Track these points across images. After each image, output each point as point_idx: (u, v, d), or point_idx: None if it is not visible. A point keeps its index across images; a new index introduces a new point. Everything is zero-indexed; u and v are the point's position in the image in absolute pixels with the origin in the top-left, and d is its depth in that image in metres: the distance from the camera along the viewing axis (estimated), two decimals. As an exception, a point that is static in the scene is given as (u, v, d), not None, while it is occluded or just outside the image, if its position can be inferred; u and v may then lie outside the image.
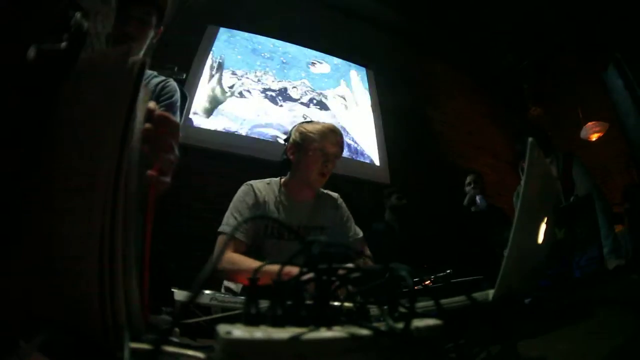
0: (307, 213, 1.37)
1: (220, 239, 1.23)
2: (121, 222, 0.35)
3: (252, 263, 1.14)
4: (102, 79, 0.40)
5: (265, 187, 1.37)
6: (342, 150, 1.40)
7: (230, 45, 3.62)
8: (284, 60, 3.84)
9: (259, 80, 3.59)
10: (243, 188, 1.35)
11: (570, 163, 2.15)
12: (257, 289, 0.30)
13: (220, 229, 1.26)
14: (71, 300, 0.35)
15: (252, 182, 1.37)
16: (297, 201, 1.38)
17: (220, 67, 3.45)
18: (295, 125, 1.43)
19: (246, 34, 3.73)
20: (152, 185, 0.47)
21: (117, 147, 0.35)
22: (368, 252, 1.40)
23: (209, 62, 3.38)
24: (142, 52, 1.21)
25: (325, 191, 1.48)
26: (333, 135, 1.35)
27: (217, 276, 1.19)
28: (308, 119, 1.48)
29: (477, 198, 2.68)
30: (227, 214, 1.30)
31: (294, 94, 3.70)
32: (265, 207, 1.32)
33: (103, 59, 0.44)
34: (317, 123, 1.41)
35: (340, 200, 1.49)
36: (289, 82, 3.74)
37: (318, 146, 1.32)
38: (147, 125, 0.47)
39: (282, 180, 1.39)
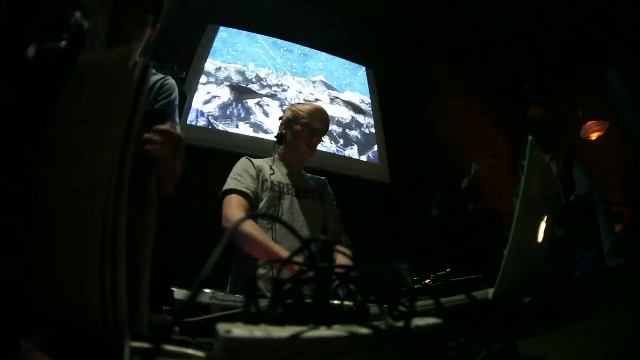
0: (301, 177, 1.61)
1: (228, 198, 1.38)
2: (124, 223, 0.35)
3: (269, 242, 1.27)
4: (104, 80, 0.40)
5: (260, 161, 1.58)
6: (328, 128, 1.63)
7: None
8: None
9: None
10: (241, 160, 1.56)
11: (571, 163, 2.14)
12: (257, 288, 0.30)
13: (225, 189, 1.41)
14: (71, 299, 0.35)
15: (248, 157, 1.59)
16: (291, 166, 1.60)
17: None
18: (288, 106, 1.70)
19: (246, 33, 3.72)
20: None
21: (117, 150, 0.35)
22: (343, 230, 1.59)
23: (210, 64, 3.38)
24: (139, 51, 1.21)
25: (313, 177, 1.71)
26: (319, 114, 1.58)
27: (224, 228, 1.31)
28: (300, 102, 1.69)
29: (473, 167, 2.68)
30: (228, 180, 1.45)
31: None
32: (261, 172, 1.51)
33: (105, 59, 0.44)
34: (307, 103, 1.69)
35: (325, 181, 1.72)
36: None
37: (306, 122, 1.55)
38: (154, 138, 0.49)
39: (276, 154, 1.62)
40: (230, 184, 1.42)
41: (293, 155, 1.60)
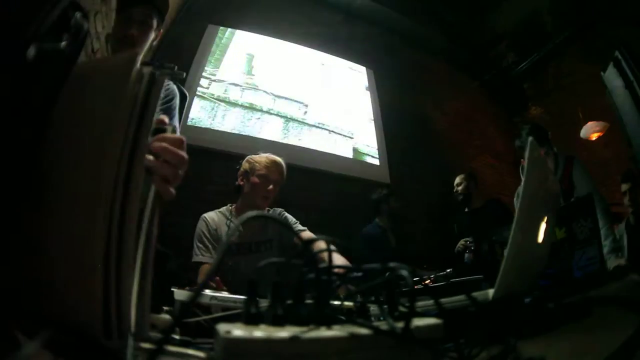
0: (257, 230, 1.60)
1: (200, 269, 1.49)
2: (132, 229, 0.35)
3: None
4: (106, 85, 0.40)
5: (217, 216, 1.64)
6: (284, 179, 1.68)
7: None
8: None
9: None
10: (199, 222, 1.62)
11: (571, 165, 2.14)
12: (256, 288, 0.30)
13: (193, 259, 1.53)
14: (75, 299, 0.35)
15: (205, 214, 1.64)
16: None
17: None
18: (246, 157, 1.72)
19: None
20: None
21: (119, 156, 0.36)
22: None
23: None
24: (142, 54, 1.21)
25: (271, 209, 1.71)
26: (275, 166, 1.64)
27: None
28: (258, 153, 1.77)
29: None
30: (194, 245, 1.56)
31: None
32: (217, 232, 1.58)
33: (108, 64, 0.44)
34: (263, 155, 1.70)
35: (283, 213, 1.72)
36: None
37: (262, 174, 1.60)
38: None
39: (233, 206, 1.68)
40: (198, 254, 1.53)
41: (249, 207, 1.61)
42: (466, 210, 2.92)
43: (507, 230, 0.60)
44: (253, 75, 3.56)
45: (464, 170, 3.32)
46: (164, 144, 0.52)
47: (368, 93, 4.13)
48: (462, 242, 2.58)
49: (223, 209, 1.68)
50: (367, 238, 2.87)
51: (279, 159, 1.70)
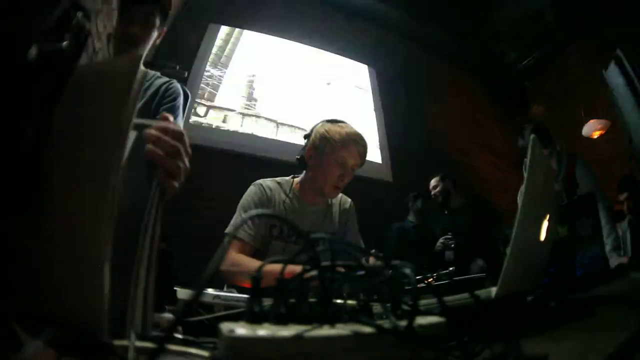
0: (317, 219, 1.31)
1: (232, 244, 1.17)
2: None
3: (255, 264, 1.03)
4: (109, 88, 0.40)
5: (275, 186, 1.31)
6: (363, 162, 1.31)
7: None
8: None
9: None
10: (251, 187, 1.30)
11: (574, 164, 2.14)
12: (260, 286, 0.30)
13: (227, 230, 1.15)
14: (78, 298, 0.35)
15: (260, 180, 1.31)
16: (308, 204, 1.31)
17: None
18: (319, 123, 1.32)
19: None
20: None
21: (123, 155, 0.36)
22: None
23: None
24: (145, 53, 1.21)
25: (341, 197, 1.41)
26: (355, 146, 1.26)
27: (221, 277, 1.13)
28: (334, 118, 1.33)
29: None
30: (235, 214, 1.25)
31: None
32: (273, 206, 1.25)
33: (111, 66, 0.44)
34: (342, 127, 1.29)
35: (352, 207, 1.42)
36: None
37: (337, 157, 1.24)
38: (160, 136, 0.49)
39: (295, 180, 1.33)
40: (235, 224, 1.19)
41: (314, 193, 1.30)
42: (446, 212, 2.88)
43: (507, 228, 0.60)
44: (255, 100, 3.48)
45: (465, 169, 3.31)
46: (162, 135, 0.51)
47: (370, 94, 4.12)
48: (441, 240, 2.57)
49: (285, 179, 1.34)
50: (400, 231, 2.89)
51: (360, 134, 1.29)
